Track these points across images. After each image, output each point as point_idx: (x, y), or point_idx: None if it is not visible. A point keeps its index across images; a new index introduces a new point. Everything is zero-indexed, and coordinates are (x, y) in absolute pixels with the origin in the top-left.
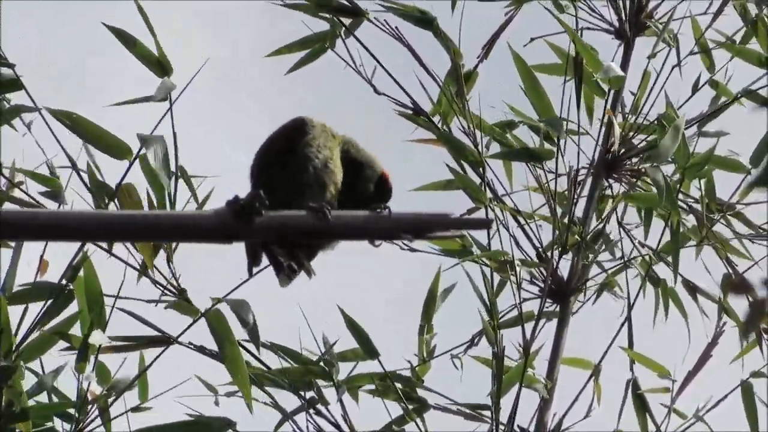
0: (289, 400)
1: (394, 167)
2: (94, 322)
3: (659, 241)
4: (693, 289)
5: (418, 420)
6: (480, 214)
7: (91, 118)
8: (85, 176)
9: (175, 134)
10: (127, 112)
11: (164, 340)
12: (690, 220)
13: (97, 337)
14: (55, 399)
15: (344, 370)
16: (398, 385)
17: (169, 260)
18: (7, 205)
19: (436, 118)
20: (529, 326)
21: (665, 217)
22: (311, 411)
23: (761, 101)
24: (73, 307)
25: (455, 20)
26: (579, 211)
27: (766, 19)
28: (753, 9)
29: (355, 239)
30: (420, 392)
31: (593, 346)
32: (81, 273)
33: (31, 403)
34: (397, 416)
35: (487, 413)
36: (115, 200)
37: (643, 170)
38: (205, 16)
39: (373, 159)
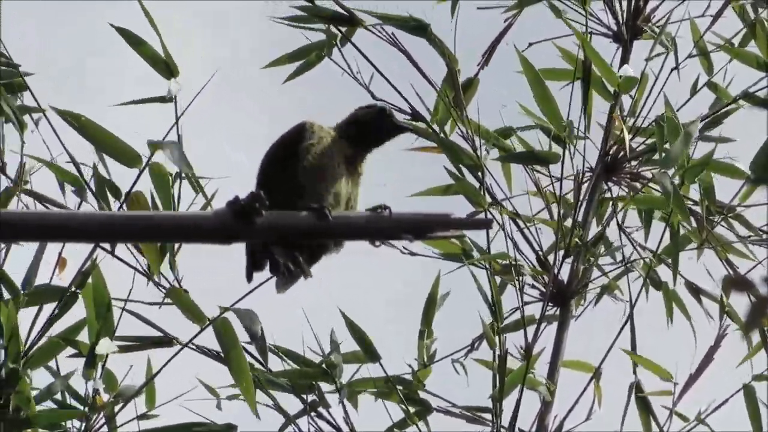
0: (290, 403)
1: (393, 174)
2: (102, 329)
3: (659, 244)
4: (696, 291)
5: (420, 423)
6: (479, 217)
7: (91, 118)
8: (86, 176)
9: (180, 137)
10: (126, 113)
11: (168, 341)
12: (690, 223)
13: (104, 345)
14: (71, 402)
15: (345, 372)
16: (399, 388)
17: (171, 262)
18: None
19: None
20: (530, 330)
21: (666, 219)
22: (313, 414)
23: (760, 104)
24: (80, 312)
25: (452, 25)
26: (579, 214)
27: (765, 22)
28: (751, 11)
29: (356, 239)
30: (421, 395)
31: (594, 349)
32: (90, 280)
33: (40, 408)
34: (398, 419)
35: (489, 416)
36: (124, 206)
37: (642, 173)
38: (205, 16)
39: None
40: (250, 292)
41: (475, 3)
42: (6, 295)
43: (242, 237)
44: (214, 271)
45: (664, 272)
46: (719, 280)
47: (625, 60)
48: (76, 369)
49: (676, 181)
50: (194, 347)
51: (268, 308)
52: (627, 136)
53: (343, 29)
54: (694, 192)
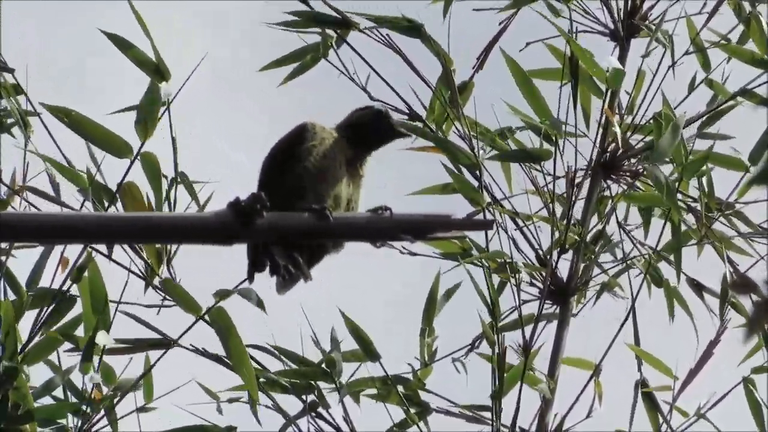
0: (290, 403)
1: (390, 173)
2: (98, 323)
3: (659, 241)
4: (698, 287)
5: (420, 423)
6: (479, 217)
7: (91, 118)
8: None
9: (174, 139)
10: (126, 114)
11: (166, 343)
12: (689, 220)
13: (101, 338)
14: (70, 397)
15: (345, 372)
16: (400, 389)
17: (169, 264)
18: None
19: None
20: (529, 328)
21: (665, 216)
22: (312, 414)
23: (758, 100)
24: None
25: (446, 27)
26: (578, 212)
27: (760, 17)
28: (748, 6)
29: (356, 240)
30: (421, 394)
31: (594, 346)
32: (86, 274)
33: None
34: (398, 419)
35: (488, 415)
36: (117, 198)
37: (641, 170)
38: (205, 16)
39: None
40: (241, 282)
41: (471, 4)
42: (11, 295)
43: (242, 237)
44: (214, 272)
45: (664, 269)
46: (719, 277)
47: (622, 58)
48: (76, 364)
49: (674, 177)
50: (192, 347)
51: (268, 308)
52: (619, 131)
53: (338, 31)
54: (693, 189)
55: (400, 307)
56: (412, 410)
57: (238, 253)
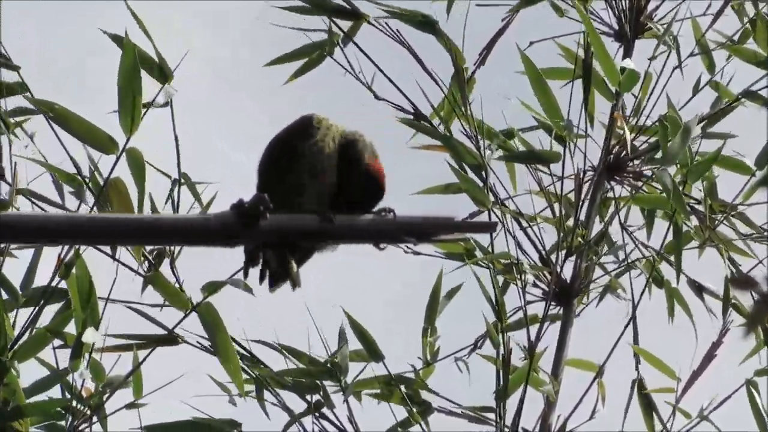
0: (294, 402)
1: (393, 171)
2: (87, 320)
3: (662, 243)
4: (699, 289)
5: (423, 423)
6: (482, 217)
7: (91, 119)
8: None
9: (177, 138)
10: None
11: (173, 339)
12: (692, 221)
13: (90, 335)
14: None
15: (349, 371)
16: (402, 388)
17: (172, 265)
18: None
19: (436, 121)
20: (533, 329)
21: (668, 218)
22: (317, 413)
23: (762, 102)
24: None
25: (452, 24)
26: (582, 213)
27: (766, 17)
28: (752, 7)
29: (359, 242)
30: (424, 394)
31: (597, 347)
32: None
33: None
34: (401, 419)
35: (492, 415)
36: (103, 193)
37: (645, 172)
38: (205, 16)
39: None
40: (235, 273)
41: (473, 1)
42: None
43: (243, 238)
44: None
45: (666, 270)
46: (722, 277)
47: (627, 59)
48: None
49: (678, 179)
50: (199, 345)
51: (268, 309)
52: (628, 134)
53: (346, 28)
54: (696, 191)
55: (400, 307)
56: (415, 409)
57: (238, 253)
